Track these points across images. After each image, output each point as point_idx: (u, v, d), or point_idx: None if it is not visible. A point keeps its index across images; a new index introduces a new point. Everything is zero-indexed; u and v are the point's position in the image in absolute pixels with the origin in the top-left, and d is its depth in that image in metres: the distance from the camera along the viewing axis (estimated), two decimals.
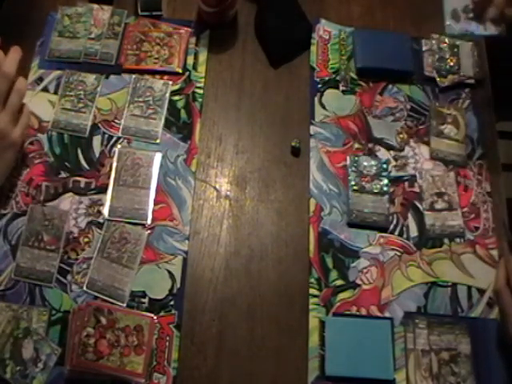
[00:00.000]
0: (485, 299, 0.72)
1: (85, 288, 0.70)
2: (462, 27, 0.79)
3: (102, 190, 0.75)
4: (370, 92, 0.84)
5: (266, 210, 0.76)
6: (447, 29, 0.79)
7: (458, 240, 0.75)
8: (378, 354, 0.68)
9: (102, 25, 0.86)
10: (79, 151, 0.78)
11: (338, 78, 0.85)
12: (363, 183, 0.77)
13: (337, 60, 0.86)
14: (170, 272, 0.71)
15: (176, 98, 0.82)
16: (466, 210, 0.77)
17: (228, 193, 0.77)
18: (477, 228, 0.76)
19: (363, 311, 0.71)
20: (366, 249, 0.74)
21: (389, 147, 0.81)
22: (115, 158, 0.77)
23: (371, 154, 0.80)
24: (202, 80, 0.83)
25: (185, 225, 0.74)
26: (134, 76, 0.82)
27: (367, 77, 0.85)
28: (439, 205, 0.77)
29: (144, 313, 0.69)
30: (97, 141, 0.78)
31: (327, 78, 0.85)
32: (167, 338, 0.68)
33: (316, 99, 0.83)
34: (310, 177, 0.78)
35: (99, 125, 0.80)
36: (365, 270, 0.73)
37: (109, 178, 0.76)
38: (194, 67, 0.84)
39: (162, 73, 0.83)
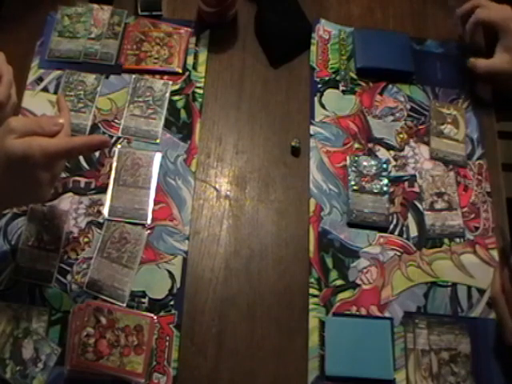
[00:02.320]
0: (485, 299, 0.72)
1: (85, 288, 0.70)
2: None
3: (102, 189, 0.75)
4: (370, 92, 0.84)
5: (266, 210, 0.76)
6: None
7: (457, 240, 0.75)
8: (378, 354, 0.68)
9: (102, 25, 0.86)
10: None
11: (338, 78, 0.85)
12: (363, 183, 0.77)
13: (337, 60, 0.86)
14: (169, 272, 0.71)
15: (176, 97, 0.82)
16: (465, 210, 0.77)
17: (228, 193, 0.77)
18: (477, 228, 0.76)
19: (363, 311, 0.71)
20: (366, 249, 0.74)
21: (389, 147, 0.81)
22: (115, 158, 0.77)
23: (371, 153, 0.80)
24: (202, 80, 0.83)
25: (185, 225, 0.74)
26: (133, 76, 0.82)
27: (367, 77, 0.85)
28: (439, 205, 0.77)
29: (144, 313, 0.69)
30: None
31: (327, 78, 0.85)
32: (167, 338, 0.68)
33: (316, 99, 0.83)
34: (309, 177, 0.78)
35: (99, 125, 0.80)
36: (365, 270, 0.73)
37: (109, 177, 0.76)
38: (194, 67, 0.84)
39: (161, 73, 0.83)
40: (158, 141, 0.79)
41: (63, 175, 0.76)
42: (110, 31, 0.85)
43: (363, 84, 0.85)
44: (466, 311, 0.72)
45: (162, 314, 0.69)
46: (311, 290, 0.71)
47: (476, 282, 0.73)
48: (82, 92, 0.81)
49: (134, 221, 0.73)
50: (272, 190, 0.77)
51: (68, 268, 0.71)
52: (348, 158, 0.79)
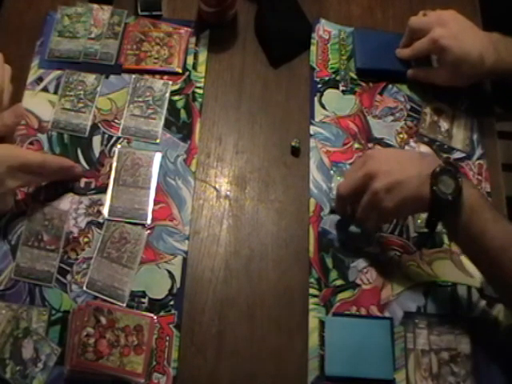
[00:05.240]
0: (484, 299, 0.72)
1: (85, 288, 0.70)
2: None
3: (102, 189, 0.75)
4: (370, 92, 0.84)
5: (266, 210, 0.76)
6: None
7: None
8: (378, 354, 0.68)
9: (102, 25, 0.86)
10: (79, 151, 0.78)
11: (337, 78, 0.85)
12: None
13: (337, 60, 0.86)
14: (169, 272, 0.71)
15: (176, 97, 0.82)
16: None
17: (228, 193, 0.77)
18: None
19: (363, 311, 0.71)
20: (366, 249, 0.74)
21: (389, 147, 0.81)
22: (115, 158, 0.77)
23: None
24: (202, 80, 0.83)
25: (185, 225, 0.74)
26: (133, 76, 0.82)
27: (367, 77, 0.85)
28: None
29: (144, 313, 0.69)
30: (97, 141, 0.78)
31: (327, 78, 0.85)
32: (167, 338, 0.68)
33: (316, 99, 0.83)
34: (309, 177, 0.78)
35: (99, 125, 0.80)
36: (365, 270, 0.73)
37: (109, 177, 0.76)
38: (194, 67, 0.84)
39: (161, 73, 0.83)
40: (157, 141, 0.79)
41: None
42: (109, 31, 0.85)
43: (363, 84, 0.85)
44: (465, 311, 0.71)
45: (161, 313, 0.69)
46: (311, 290, 0.71)
47: (476, 282, 0.73)
48: (81, 92, 0.81)
49: (133, 221, 0.73)
50: (272, 190, 0.77)
51: (68, 268, 0.71)
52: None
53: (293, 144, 0.79)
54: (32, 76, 0.82)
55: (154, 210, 0.74)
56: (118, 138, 0.79)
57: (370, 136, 0.81)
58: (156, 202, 0.75)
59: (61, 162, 0.73)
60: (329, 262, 0.73)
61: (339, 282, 0.72)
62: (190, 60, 0.85)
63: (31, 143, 0.77)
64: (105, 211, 0.74)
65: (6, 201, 0.69)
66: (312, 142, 0.80)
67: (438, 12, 0.80)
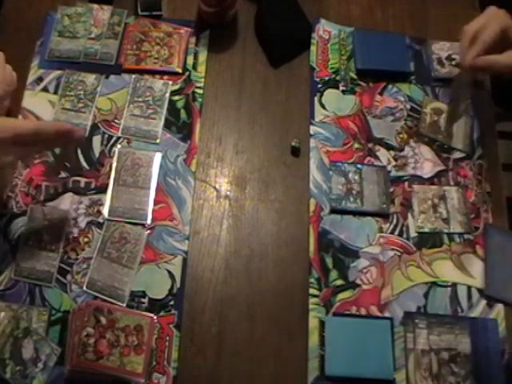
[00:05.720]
0: (485, 299, 0.72)
1: (85, 288, 0.70)
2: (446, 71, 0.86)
3: (102, 189, 0.75)
4: (370, 92, 0.84)
5: (266, 210, 0.76)
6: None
7: (457, 240, 0.75)
8: (378, 354, 0.68)
9: (102, 25, 0.86)
10: (79, 151, 0.78)
11: (337, 77, 0.85)
12: None
13: (337, 60, 0.86)
14: (169, 272, 0.71)
15: (176, 97, 0.82)
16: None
17: (228, 193, 0.77)
18: (477, 228, 0.76)
19: (363, 311, 0.71)
20: (366, 249, 0.74)
21: (389, 147, 0.81)
22: (115, 158, 0.77)
23: (371, 153, 0.80)
24: (202, 80, 0.83)
25: (185, 225, 0.74)
26: (133, 76, 0.82)
27: (367, 77, 0.85)
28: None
29: (144, 313, 0.69)
30: (97, 141, 0.78)
31: (327, 78, 0.85)
32: (167, 338, 0.68)
33: (316, 99, 0.83)
34: (310, 177, 0.78)
35: (99, 125, 0.80)
36: (365, 270, 0.73)
37: (109, 177, 0.76)
38: (194, 67, 0.84)
39: (161, 73, 0.83)
40: (158, 141, 0.79)
41: (63, 175, 0.76)
42: (110, 31, 0.85)
43: (363, 84, 0.85)
44: (465, 311, 0.72)
45: (162, 313, 0.69)
46: (311, 290, 0.71)
47: (476, 282, 0.73)
48: (81, 92, 0.81)
49: (134, 221, 0.73)
50: (272, 190, 0.77)
51: (68, 268, 0.71)
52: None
53: (293, 144, 0.79)
54: (32, 76, 0.82)
55: (154, 210, 0.74)
56: (118, 137, 0.79)
57: (370, 136, 0.81)
58: (156, 202, 0.75)
59: (57, 126, 0.65)
60: (329, 261, 0.73)
61: (339, 282, 0.72)
62: (190, 60, 0.85)
63: None
64: (105, 211, 0.74)
65: (5, 177, 0.67)
66: (312, 142, 0.80)
67: (480, 16, 0.74)
